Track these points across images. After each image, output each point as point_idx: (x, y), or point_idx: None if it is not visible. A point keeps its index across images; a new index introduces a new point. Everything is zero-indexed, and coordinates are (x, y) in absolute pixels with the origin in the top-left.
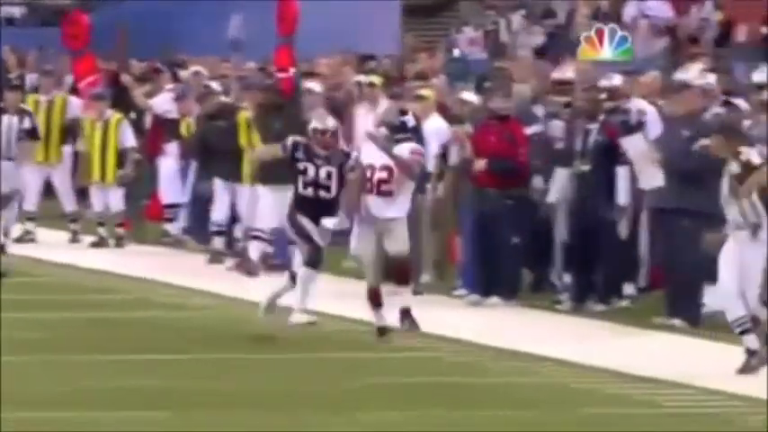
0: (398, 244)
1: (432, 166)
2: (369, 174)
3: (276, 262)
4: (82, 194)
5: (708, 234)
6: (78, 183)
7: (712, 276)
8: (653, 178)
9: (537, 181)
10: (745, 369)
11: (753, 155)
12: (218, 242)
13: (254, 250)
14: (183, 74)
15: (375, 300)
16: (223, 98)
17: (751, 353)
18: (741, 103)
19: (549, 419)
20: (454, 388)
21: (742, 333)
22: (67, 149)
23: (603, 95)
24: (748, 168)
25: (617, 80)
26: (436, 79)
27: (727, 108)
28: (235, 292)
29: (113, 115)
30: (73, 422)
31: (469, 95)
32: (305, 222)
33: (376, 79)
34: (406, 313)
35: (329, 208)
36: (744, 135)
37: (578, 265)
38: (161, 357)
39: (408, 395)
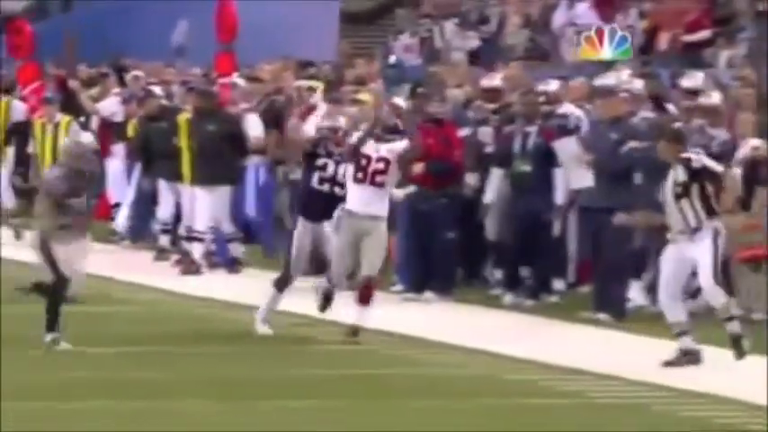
0: (374, 260)
1: None
2: (364, 163)
3: (217, 260)
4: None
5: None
6: (30, 183)
7: (638, 272)
8: (583, 179)
9: (470, 179)
10: (671, 363)
11: (707, 161)
12: (164, 240)
13: (196, 250)
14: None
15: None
16: (164, 101)
17: (685, 353)
18: (670, 107)
19: (481, 410)
20: (387, 379)
21: (679, 335)
22: (10, 150)
23: (541, 99)
24: (712, 176)
25: (554, 85)
26: (374, 84)
27: (657, 113)
28: (180, 288)
29: (63, 118)
30: (21, 411)
31: (399, 100)
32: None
33: (315, 84)
34: (354, 332)
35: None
36: (687, 140)
37: (512, 262)
38: (108, 350)
39: (341, 386)
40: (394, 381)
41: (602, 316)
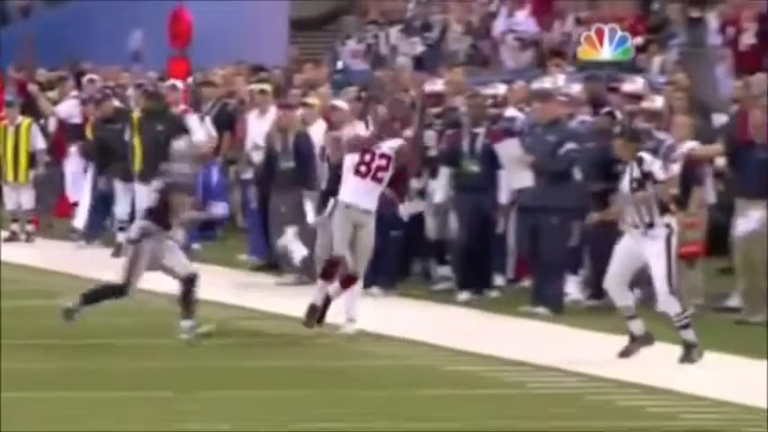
0: (365, 253)
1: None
2: (368, 158)
3: None
4: None
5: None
6: None
7: (574, 268)
8: (523, 179)
9: (414, 181)
10: (626, 352)
11: (655, 167)
12: (122, 237)
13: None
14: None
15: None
16: (117, 103)
17: (634, 337)
18: (613, 110)
19: (423, 400)
20: (336, 370)
21: (629, 319)
22: None
23: (488, 102)
24: (655, 182)
25: (501, 89)
26: (322, 88)
27: (598, 116)
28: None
29: (24, 120)
30: None
31: (341, 102)
32: None
33: (267, 87)
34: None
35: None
36: (643, 141)
37: (457, 259)
38: (69, 342)
39: (290, 376)
40: (342, 372)
41: (540, 310)
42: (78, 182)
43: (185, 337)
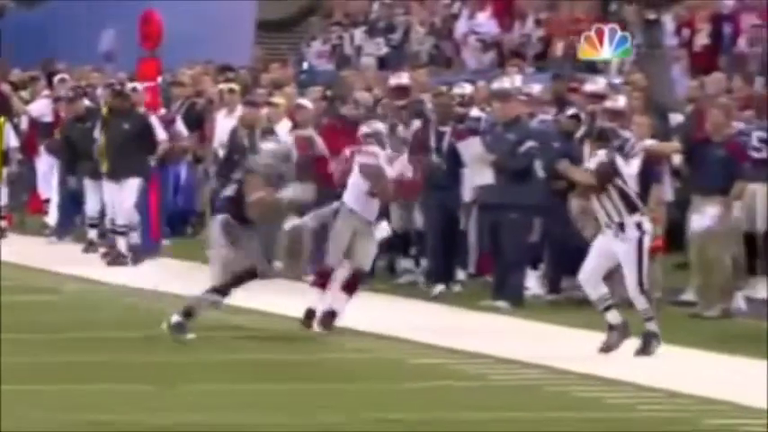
0: (369, 253)
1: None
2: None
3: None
4: None
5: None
6: None
7: (534, 263)
8: (484, 177)
9: None
10: (607, 347)
11: (593, 163)
12: (92, 233)
13: (122, 243)
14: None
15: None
16: (87, 102)
17: (611, 327)
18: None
19: (388, 393)
20: (303, 364)
21: (605, 310)
22: None
23: (455, 102)
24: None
25: (468, 89)
26: (288, 88)
27: (562, 115)
28: (107, 278)
29: None
30: None
31: (306, 102)
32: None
33: (235, 86)
34: (331, 315)
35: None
36: (611, 140)
37: (419, 253)
38: (40, 336)
39: (257, 370)
40: (309, 365)
41: (501, 304)
42: (49, 179)
43: None
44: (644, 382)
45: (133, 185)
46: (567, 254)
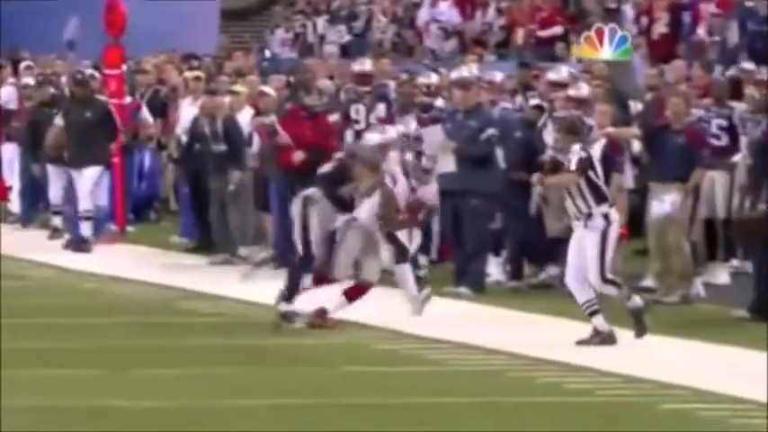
0: (377, 266)
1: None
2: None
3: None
4: None
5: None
6: None
7: (496, 250)
8: (446, 164)
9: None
10: (584, 343)
11: (572, 161)
12: (57, 220)
13: (86, 229)
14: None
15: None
16: (53, 90)
17: (597, 332)
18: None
19: (350, 376)
20: (256, 349)
21: (591, 314)
22: None
23: (420, 91)
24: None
25: (434, 78)
26: (251, 76)
27: (525, 104)
28: (71, 265)
29: None
30: None
31: (268, 89)
32: None
33: (201, 74)
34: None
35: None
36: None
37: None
38: (5, 321)
39: (220, 354)
40: (268, 350)
41: (462, 290)
42: (12, 166)
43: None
44: (603, 368)
45: (93, 173)
46: (528, 240)
